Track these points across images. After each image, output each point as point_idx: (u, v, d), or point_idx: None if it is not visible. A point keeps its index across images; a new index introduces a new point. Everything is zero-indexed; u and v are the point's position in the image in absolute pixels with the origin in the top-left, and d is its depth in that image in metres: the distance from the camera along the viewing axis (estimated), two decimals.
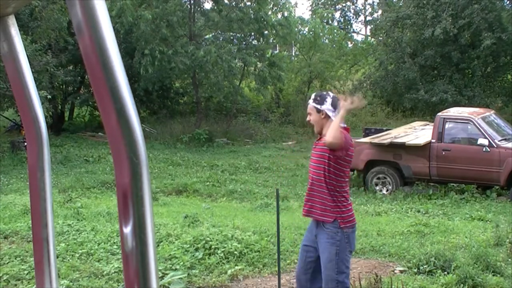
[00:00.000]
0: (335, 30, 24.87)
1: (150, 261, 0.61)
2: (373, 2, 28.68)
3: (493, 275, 5.52)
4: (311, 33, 23.16)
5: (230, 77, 19.00)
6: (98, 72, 0.60)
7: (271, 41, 21.17)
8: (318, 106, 3.93)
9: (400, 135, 11.67)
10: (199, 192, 11.42)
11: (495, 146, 10.17)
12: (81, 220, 7.60)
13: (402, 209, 9.45)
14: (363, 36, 29.52)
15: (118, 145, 0.61)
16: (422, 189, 10.81)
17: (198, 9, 19.99)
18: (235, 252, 5.98)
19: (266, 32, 19.65)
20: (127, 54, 18.54)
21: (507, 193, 10.17)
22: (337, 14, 28.26)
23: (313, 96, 4.06)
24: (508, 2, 19.40)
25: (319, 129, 4.00)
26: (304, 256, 4.02)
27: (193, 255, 5.89)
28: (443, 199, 10.30)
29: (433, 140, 10.71)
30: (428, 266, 5.70)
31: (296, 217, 8.35)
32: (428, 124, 12.60)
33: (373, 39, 26.10)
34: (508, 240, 6.47)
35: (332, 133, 3.74)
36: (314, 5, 27.41)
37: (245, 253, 6.03)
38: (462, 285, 5.21)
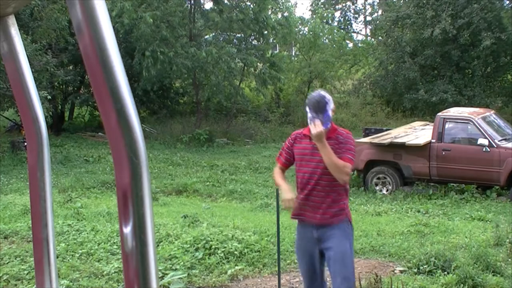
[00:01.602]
0: (335, 30, 24.87)
1: (150, 261, 0.61)
2: (373, 2, 28.73)
3: (493, 275, 5.52)
4: (311, 33, 23.16)
5: (231, 77, 19.02)
6: (98, 72, 0.60)
7: (271, 41, 21.18)
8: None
9: (400, 135, 11.67)
10: (199, 192, 11.42)
11: (495, 146, 10.17)
12: (81, 220, 7.60)
13: (402, 209, 9.45)
14: (363, 36, 29.53)
15: (118, 145, 0.61)
16: (422, 189, 10.81)
17: (198, 9, 20.00)
18: (235, 252, 5.98)
19: (266, 32, 19.66)
20: (127, 54, 18.55)
21: (507, 193, 10.17)
22: (337, 14, 28.31)
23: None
24: (508, 2, 19.40)
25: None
26: (309, 270, 3.91)
27: (193, 255, 5.89)
28: (443, 199, 10.30)
29: (433, 140, 10.71)
30: (428, 266, 5.70)
31: None
32: (428, 124, 12.60)
33: (373, 39, 26.11)
34: (508, 240, 6.47)
35: (336, 172, 3.66)
36: (314, 5, 27.43)
37: (245, 253, 6.03)
38: (462, 285, 5.21)
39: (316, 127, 3.59)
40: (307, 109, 3.66)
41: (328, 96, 3.71)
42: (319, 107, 3.61)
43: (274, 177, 4.14)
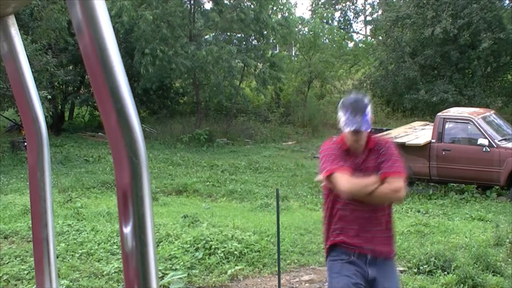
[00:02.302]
0: (335, 30, 24.88)
1: (150, 261, 0.61)
2: (373, 2, 28.71)
3: (493, 275, 5.52)
4: (311, 33, 23.17)
5: (230, 77, 19.03)
6: (98, 72, 0.60)
7: (271, 41, 21.20)
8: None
9: (400, 135, 11.67)
10: (199, 192, 11.42)
11: (495, 146, 10.17)
12: (81, 220, 7.60)
13: (402, 209, 9.45)
14: (363, 36, 29.53)
15: (118, 145, 0.61)
16: (422, 189, 10.80)
17: (198, 9, 20.00)
18: (235, 252, 5.97)
19: (266, 32, 19.66)
20: (127, 54, 18.55)
21: (507, 193, 10.17)
22: (337, 14, 28.31)
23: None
24: (508, 2, 19.40)
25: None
26: None
27: (193, 255, 5.89)
28: (443, 199, 10.30)
29: (433, 140, 10.71)
30: (428, 266, 5.70)
31: (296, 217, 8.36)
32: (428, 124, 12.59)
33: (373, 39, 26.12)
34: (508, 240, 6.47)
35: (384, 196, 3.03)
36: (314, 5, 27.43)
37: (245, 253, 6.03)
38: (462, 285, 5.21)
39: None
40: (342, 112, 3.06)
41: (368, 100, 3.14)
42: (358, 108, 3.02)
43: (351, 184, 3.02)
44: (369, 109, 3.06)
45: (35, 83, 0.92)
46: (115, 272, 5.48)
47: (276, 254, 5.36)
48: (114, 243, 6.37)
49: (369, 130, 3.08)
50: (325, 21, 25.32)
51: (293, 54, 26.22)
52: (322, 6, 27.26)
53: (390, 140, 3.34)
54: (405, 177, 3.06)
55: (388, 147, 3.15)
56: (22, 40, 0.91)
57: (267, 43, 20.58)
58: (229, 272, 5.59)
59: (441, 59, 19.07)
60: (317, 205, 9.95)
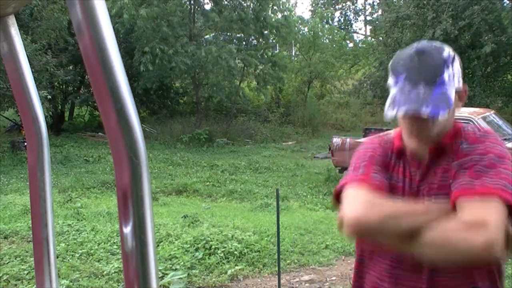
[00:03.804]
0: (335, 30, 24.90)
1: (150, 261, 0.61)
2: (373, 2, 28.74)
3: None
4: (311, 33, 23.20)
5: (231, 77, 19.06)
6: (98, 72, 0.60)
7: (271, 41, 21.23)
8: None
9: None
10: (199, 192, 11.43)
11: None
12: (81, 220, 7.61)
13: None
14: (363, 36, 29.56)
15: (118, 145, 0.61)
16: None
17: (198, 9, 20.02)
18: (235, 252, 5.98)
19: (266, 32, 19.70)
20: (127, 54, 18.57)
21: None
22: (337, 14, 28.36)
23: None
24: (508, 3, 19.40)
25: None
26: None
27: (193, 255, 5.89)
28: None
29: None
30: None
31: (296, 217, 8.36)
32: None
33: (373, 39, 26.14)
34: None
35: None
36: (314, 5, 27.46)
37: (245, 253, 6.03)
38: None
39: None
40: (392, 77, 1.51)
41: (448, 50, 1.50)
42: (424, 68, 1.46)
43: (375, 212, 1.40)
44: (450, 70, 1.47)
45: (35, 83, 0.92)
46: (115, 272, 5.48)
47: (276, 254, 5.36)
48: (114, 243, 6.38)
49: (445, 115, 1.44)
50: (325, 21, 25.34)
51: (293, 54, 26.25)
52: (322, 6, 27.29)
53: (489, 130, 1.66)
54: (504, 198, 1.36)
55: (480, 141, 1.55)
56: (22, 40, 0.91)
57: (267, 43, 20.61)
58: (229, 272, 5.59)
59: None
60: (317, 205, 9.95)
